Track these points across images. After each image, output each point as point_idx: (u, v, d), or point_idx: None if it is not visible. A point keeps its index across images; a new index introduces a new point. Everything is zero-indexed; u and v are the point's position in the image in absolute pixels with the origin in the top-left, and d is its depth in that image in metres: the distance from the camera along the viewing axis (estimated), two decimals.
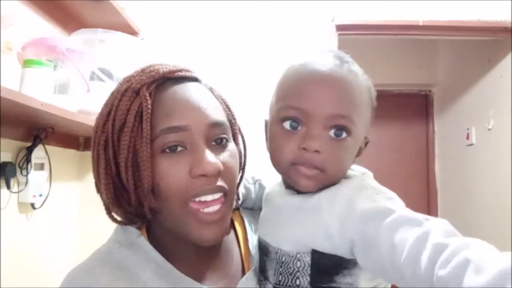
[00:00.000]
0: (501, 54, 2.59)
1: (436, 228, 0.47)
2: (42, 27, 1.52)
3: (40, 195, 1.44)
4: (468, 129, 2.98)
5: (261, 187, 0.78)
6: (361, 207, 0.55)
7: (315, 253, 0.58)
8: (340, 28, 2.24)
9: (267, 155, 0.67)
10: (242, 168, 0.72)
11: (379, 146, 3.56)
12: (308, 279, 0.59)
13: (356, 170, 0.67)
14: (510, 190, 2.44)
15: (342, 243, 0.56)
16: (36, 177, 1.40)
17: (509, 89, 2.49)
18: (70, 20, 1.69)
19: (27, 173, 1.36)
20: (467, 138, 2.99)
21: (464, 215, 3.08)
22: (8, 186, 1.30)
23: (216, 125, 0.63)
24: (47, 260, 1.57)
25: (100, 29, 1.60)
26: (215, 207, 0.61)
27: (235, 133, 0.70)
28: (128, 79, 0.65)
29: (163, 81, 0.64)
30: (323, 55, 0.64)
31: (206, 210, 0.60)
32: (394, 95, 3.66)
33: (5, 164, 1.28)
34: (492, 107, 2.70)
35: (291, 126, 0.61)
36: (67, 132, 1.56)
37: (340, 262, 0.58)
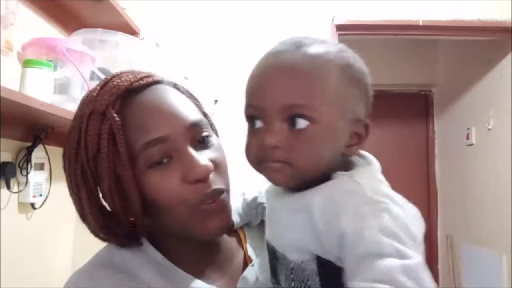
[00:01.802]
0: (501, 54, 2.59)
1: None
2: (42, 27, 1.52)
3: (40, 195, 1.44)
4: (468, 129, 2.98)
5: (250, 201, 0.75)
6: (343, 225, 0.50)
7: (319, 260, 0.56)
8: (340, 28, 2.24)
9: None
10: None
11: (379, 146, 3.55)
12: (319, 287, 0.56)
13: (364, 158, 0.63)
14: (510, 190, 2.44)
15: (329, 250, 0.53)
16: (36, 177, 1.40)
17: (509, 89, 2.49)
18: (70, 20, 1.69)
19: (27, 173, 1.36)
20: (467, 138, 2.99)
21: (464, 215, 3.08)
22: (8, 186, 1.30)
23: (195, 125, 0.62)
24: (47, 260, 1.57)
25: (100, 29, 1.60)
26: (216, 196, 0.60)
27: (211, 124, 0.69)
28: (89, 101, 0.62)
29: (127, 94, 0.61)
30: (280, 44, 0.59)
31: (209, 202, 0.60)
32: (394, 95, 3.66)
33: (5, 164, 1.28)
34: (492, 107, 2.70)
35: (253, 124, 0.58)
36: (67, 132, 1.55)
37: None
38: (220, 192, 0.61)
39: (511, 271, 2.46)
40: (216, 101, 2.06)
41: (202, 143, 0.62)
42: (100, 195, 0.61)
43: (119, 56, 1.63)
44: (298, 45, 0.57)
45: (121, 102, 0.60)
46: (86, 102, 0.62)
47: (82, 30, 1.63)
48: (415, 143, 3.66)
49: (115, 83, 0.62)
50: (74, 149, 0.61)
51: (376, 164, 0.62)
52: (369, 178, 0.56)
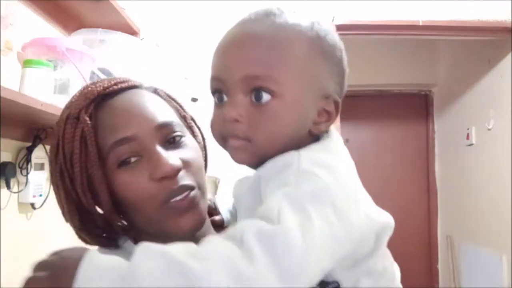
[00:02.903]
0: (501, 54, 2.59)
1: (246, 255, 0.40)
2: (42, 27, 1.52)
3: (40, 195, 1.44)
4: (468, 129, 2.98)
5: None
6: (265, 193, 0.49)
7: None
8: (340, 28, 2.24)
9: None
10: (205, 158, 0.72)
11: (379, 146, 3.56)
12: None
13: (327, 133, 0.59)
14: (510, 190, 2.44)
15: None
16: (36, 177, 1.40)
17: (509, 89, 2.49)
18: (70, 20, 1.69)
19: (27, 173, 1.36)
20: (467, 138, 2.99)
21: (464, 215, 3.08)
22: (8, 186, 1.30)
23: (164, 125, 0.63)
24: None
25: (100, 29, 1.60)
26: (185, 194, 0.60)
27: (191, 127, 0.70)
28: (67, 106, 0.65)
29: (101, 99, 0.64)
30: (250, 13, 0.57)
31: (177, 198, 0.60)
32: (394, 95, 3.66)
33: (5, 164, 1.28)
34: (492, 107, 2.70)
35: (218, 99, 0.56)
36: None
37: None
38: (188, 188, 0.61)
39: (511, 271, 2.47)
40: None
41: (173, 143, 0.63)
42: (76, 195, 0.63)
43: (119, 56, 1.63)
44: (267, 14, 0.55)
45: (95, 106, 0.63)
46: (65, 107, 0.66)
47: (82, 30, 1.63)
48: (415, 143, 3.66)
49: (89, 88, 0.64)
50: (54, 152, 0.64)
51: (334, 136, 0.58)
52: (318, 151, 0.53)
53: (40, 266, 0.45)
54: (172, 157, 0.60)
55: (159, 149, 0.61)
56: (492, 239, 2.68)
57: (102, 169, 0.61)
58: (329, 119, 0.57)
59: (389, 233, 0.56)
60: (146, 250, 0.41)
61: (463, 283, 3.09)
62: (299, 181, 0.47)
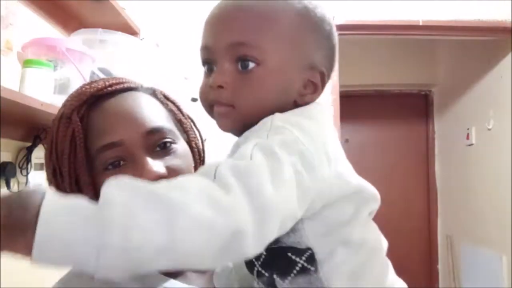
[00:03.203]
0: (501, 54, 2.59)
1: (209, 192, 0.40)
2: (42, 27, 1.52)
3: None
4: (468, 129, 2.98)
5: None
6: (238, 141, 0.51)
7: None
8: (340, 28, 2.22)
9: None
10: (202, 161, 0.72)
11: (379, 146, 3.56)
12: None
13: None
14: (510, 190, 2.44)
15: None
16: (36, 177, 1.40)
17: (509, 89, 2.49)
18: (70, 20, 1.69)
19: (27, 173, 1.36)
20: (467, 138, 2.99)
21: (464, 215, 3.08)
22: (8, 186, 1.30)
23: (154, 131, 0.62)
24: None
25: (100, 29, 1.60)
26: None
27: (187, 131, 0.70)
28: (63, 105, 0.66)
29: (96, 99, 0.64)
30: None
31: None
32: (394, 95, 3.66)
33: (5, 164, 1.28)
34: (492, 107, 2.70)
35: (207, 69, 0.57)
36: None
37: None
38: None
39: (511, 271, 2.47)
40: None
41: (163, 150, 0.63)
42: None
43: (119, 56, 1.63)
44: None
45: (88, 107, 0.64)
46: (61, 105, 0.66)
47: (82, 30, 1.63)
48: (415, 143, 3.66)
49: (84, 89, 0.65)
50: (48, 149, 0.65)
51: (316, 105, 0.59)
52: (293, 115, 0.53)
53: None
54: (157, 165, 0.60)
55: (145, 156, 0.60)
56: (492, 239, 2.68)
57: (90, 171, 0.61)
58: (315, 91, 0.58)
59: (373, 205, 0.56)
60: (116, 184, 0.39)
61: (463, 283, 3.09)
62: (270, 134, 0.48)
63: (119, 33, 1.65)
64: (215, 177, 0.41)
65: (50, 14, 1.56)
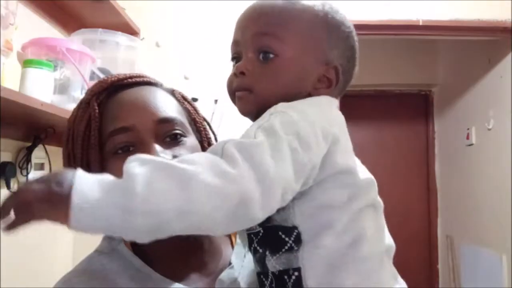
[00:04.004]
0: (501, 54, 2.59)
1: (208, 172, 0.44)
2: (42, 27, 1.52)
3: None
4: (468, 129, 2.98)
5: None
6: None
7: None
8: None
9: None
10: None
11: (379, 146, 3.56)
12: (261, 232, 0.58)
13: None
14: (510, 190, 2.44)
15: None
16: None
17: (509, 89, 2.49)
18: (70, 20, 1.69)
19: (27, 173, 1.36)
20: (467, 138, 2.99)
21: (464, 215, 3.08)
22: (8, 186, 1.30)
23: (165, 120, 0.64)
24: (47, 260, 1.57)
25: (100, 29, 1.60)
26: None
27: (200, 131, 0.72)
28: (86, 91, 0.69)
29: (115, 89, 0.67)
30: None
31: None
32: (394, 95, 3.66)
33: (5, 164, 1.28)
34: (492, 107, 2.70)
35: (236, 61, 0.63)
36: None
37: None
38: None
39: (511, 271, 2.47)
40: (216, 101, 2.06)
41: (172, 140, 0.64)
42: None
43: (119, 56, 1.63)
44: None
45: (107, 95, 0.67)
46: (85, 92, 0.70)
47: (82, 30, 1.63)
48: (415, 143, 3.66)
49: (106, 78, 0.68)
50: (65, 134, 0.68)
51: (324, 96, 0.62)
52: (298, 103, 0.57)
53: (31, 182, 0.44)
54: (164, 153, 0.61)
55: (154, 143, 0.62)
56: (492, 239, 2.68)
57: (101, 155, 0.63)
58: (329, 85, 0.62)
59: (370, 196, 0.58)
60: (136, 159, 0.44)
61: (463, 283, 3.09)
62: (272, 117, 0.53)
63: (119, 33, 1.65)
64: (222, 154, 0.46)
65: (50, 14, 1.56)
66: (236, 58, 0.63)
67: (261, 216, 0.46)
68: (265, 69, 0.59)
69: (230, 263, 0.67)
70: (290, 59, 0.59)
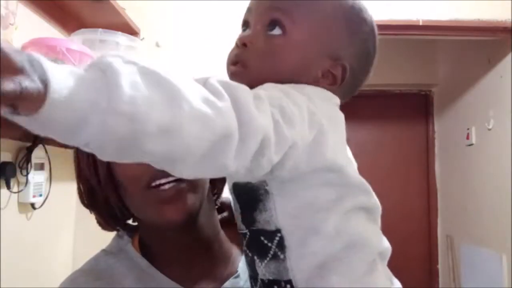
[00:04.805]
0: (501, 54, 2.59)
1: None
2: (42, 27, 1.52)
3: (40, 195, 1.44)
4: (468, 129, 2.98)
5: None
6: None
7: (235, 187, 0.54)
8: None
9: None
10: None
11: (379, 146, 3.55)
12: (241, 219, 0.56)
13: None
14: (510, 190, 2.44)
15: None
16: (36, 177, 1.40)
17: (509, 89, 2.49)
18: (70, 20, 1.69)
19: (27, 173, 1.36)
20: (467, 138, 2.99)
21: (464, 215, 3.08)
22: (8, 186, 1.30)
23: None
24: (47, 260, 1.57)
25: (100, 29, 1.60)
26: (171, 184, 0.59)
27: None
28: None
29: None
30: None
31: (162, 187, 0.59)
32: (394, 95, 3.66)
33: (5, 164, 1.28)
34: (492, 107, 2.70)
35: (243, 30, 0.60)
36: None
37: (254, 194, 0.52)
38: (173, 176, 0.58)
39: (511, 271, 2.47)
40: None
41: None
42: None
43: None
44: None
45: None
46: None
47: (82, 30, 1.63)
48: (415, 143, 3.65)
49: None
50: None
51: (320, 88, 0.56)
52: (291, 86, 0.52)
53: None
54: None
55: None
56: (492, 239, 2.68)
57: None
58: (333, 83, 0.58)
59: (361, 198, 0.54)
60: (118, 56, 0.37)
61: (463, 283, 3.09)
62: (258, 89, 0.48)
63: (119, 33, 1.65)
64: (205, 86, 0.41)
65: (50, 14, 1.56)
66: (245, 25, 0.59)
67: (232, 164, 0.41)
68: (268, 45, 0.55)
69: (237, 271, 0.66)
70: (296, 42, 0.55)
